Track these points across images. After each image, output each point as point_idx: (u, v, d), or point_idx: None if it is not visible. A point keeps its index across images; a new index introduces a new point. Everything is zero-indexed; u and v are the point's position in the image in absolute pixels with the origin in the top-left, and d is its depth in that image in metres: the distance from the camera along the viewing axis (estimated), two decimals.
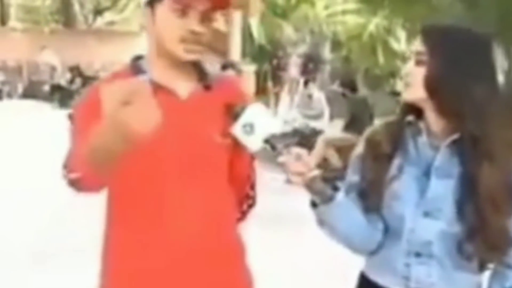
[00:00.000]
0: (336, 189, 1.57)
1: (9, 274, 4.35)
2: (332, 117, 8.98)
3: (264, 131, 1.53)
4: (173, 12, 1.59)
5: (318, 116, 9.11)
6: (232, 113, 1.56)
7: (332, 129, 8.54)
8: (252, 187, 1.89)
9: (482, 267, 1.62)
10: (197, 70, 1.73)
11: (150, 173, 1.63)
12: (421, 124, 1.62)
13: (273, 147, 1.53)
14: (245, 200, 1.88)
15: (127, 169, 1.61)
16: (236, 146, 1.63)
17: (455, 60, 1.55)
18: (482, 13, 8.06)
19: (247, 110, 1.54)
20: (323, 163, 7.72)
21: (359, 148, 1.71)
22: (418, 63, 1.58)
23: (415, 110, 1.62)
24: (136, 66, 1.70)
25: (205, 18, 1.61)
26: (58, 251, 4.80)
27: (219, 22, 1.75)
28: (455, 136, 1.56)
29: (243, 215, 1.90)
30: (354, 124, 7.86)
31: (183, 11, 1.59)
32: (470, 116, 1.53)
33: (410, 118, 1.63)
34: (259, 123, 1.53)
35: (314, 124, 8.97)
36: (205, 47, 1.65)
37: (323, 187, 1.55)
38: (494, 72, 1.58)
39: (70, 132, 1.69)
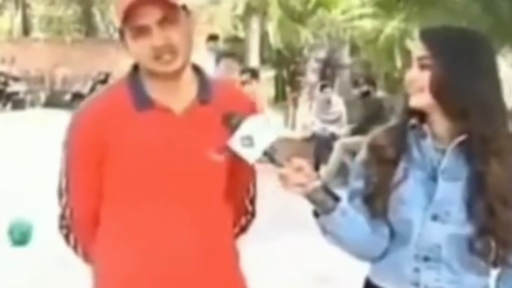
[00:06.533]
0: (337, 199, 1.55)
1: (37, 276, 4.42)
2: (350, 121, 8.97)
3: (263, 143, 1.48)
4: (134, 38, 1.60)
5: (336, 121, 9.11)
6: (230, 125, 1.51)
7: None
8: (252, 201, 1.87)
9: (493, 267, 1.61)
10: (197, 83, 1.70)
11: (145, 189, 1.65)
12: (425, 127, 1.60)
13: (272, 160, 1.50)
14: (243, 215, 1.87)
15: (123, 184, 1.66)
16: (235, 160, 1.60)
17: (458, 60, 1.55)
18: (499, 15, 8.01)
19: (245, 122, 1.49)
20: (341, 168, 7.71)
21: (362, 154, 1.69)
22: (422, 67, 1.57)
23: (418, 113, 1.61)
24: (133, 80, 1.69)
25: (164, 27, 1.58)
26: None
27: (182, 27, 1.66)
28: (462, 138, 1.55)
29: (241, 229, 1.89)
30: (371, 128, 7.81)
31: (141, 33, 1.58)
32: (478, 115, 1.53)
33: (413, 121, 1.62)
34: (258, 135, 1.48)
35: (332, 128, 8.97)
36: (184, 51, 1.62)
37: (324, 197, 1.53)
38: (496, 67, 1.60)
39: (65, 170, 1.72)
